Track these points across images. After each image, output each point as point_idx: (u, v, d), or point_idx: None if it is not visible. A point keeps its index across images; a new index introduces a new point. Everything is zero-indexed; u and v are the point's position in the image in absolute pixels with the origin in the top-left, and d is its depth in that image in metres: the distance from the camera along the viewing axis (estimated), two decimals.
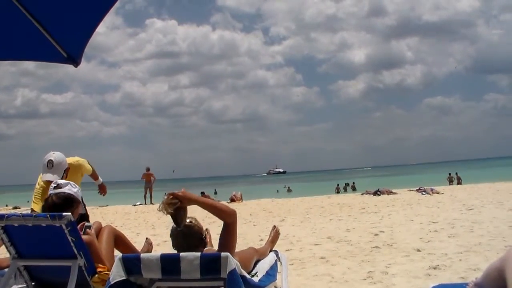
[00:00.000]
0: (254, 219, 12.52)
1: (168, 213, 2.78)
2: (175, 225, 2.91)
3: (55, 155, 4.59)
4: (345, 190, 30.94)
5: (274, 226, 4.30)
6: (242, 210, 16.28)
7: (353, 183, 32.76)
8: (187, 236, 2.98)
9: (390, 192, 19.83)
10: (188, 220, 3.00)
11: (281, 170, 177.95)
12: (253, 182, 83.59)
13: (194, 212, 3.19)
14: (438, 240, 6.95)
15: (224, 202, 20.68)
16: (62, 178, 4.47)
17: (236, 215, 3.03)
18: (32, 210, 4.54)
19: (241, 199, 20.97)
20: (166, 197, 2.84)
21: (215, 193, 32.90)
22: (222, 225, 3.07)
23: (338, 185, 31.67)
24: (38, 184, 4.74)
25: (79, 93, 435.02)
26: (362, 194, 21.07)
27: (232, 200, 20.63)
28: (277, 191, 38.38)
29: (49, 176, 4.47)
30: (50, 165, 4.52)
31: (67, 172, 4.69)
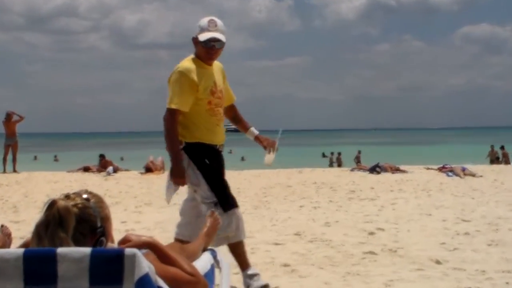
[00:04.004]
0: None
1: None
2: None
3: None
4: (331, 164, 31.35)
5: (212, 212, 4.33)
6: (163, 186, 16.20)
7: (359, 152, 32.54)
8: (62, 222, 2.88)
9: (396, 170, 20.20)
10: (85, 197, 2.91)
11: None
12: None
13: None
14: (470, 249, 7.15)
15: (135, 173, 20.66)
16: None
17: None
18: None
19: (162, 168, 20.86)
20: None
21: (122, 159, 32.67)
22: None
23: (332, 154, 31.82)
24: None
25: None
26: (351, 170, 21.38)
27: (148, 169, 20.54)
28: None
29: (215, 35, 5.18)
30: (213, 25, 5.21)
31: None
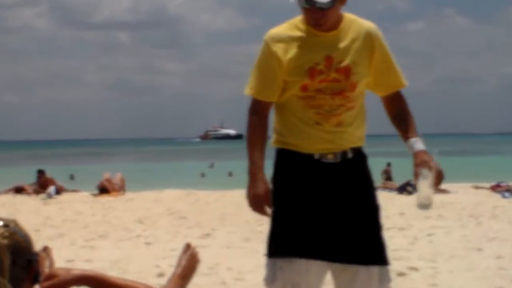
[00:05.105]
0: (148, 232, 12.86)
1: None
2: None
3: None
4: None
5: (188, 246, 4.08)
6: (123, 211, 16.21)
7: (388, 165, 32.36)
8: None
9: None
10: (1, 224, 2.88)
11: (231, 132, 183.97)
12: (163, 154, 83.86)
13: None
14: None
15: (85, 194, 20.57)
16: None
17: None
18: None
19: (122, 188, 20.86)
20: None
21: (71, 178, 32.87)
22: None
23: None
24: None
25: None
26: None
27: (104, 189, 20.53)
28: (202, 174, 38.93)
29: None
30: None
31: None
